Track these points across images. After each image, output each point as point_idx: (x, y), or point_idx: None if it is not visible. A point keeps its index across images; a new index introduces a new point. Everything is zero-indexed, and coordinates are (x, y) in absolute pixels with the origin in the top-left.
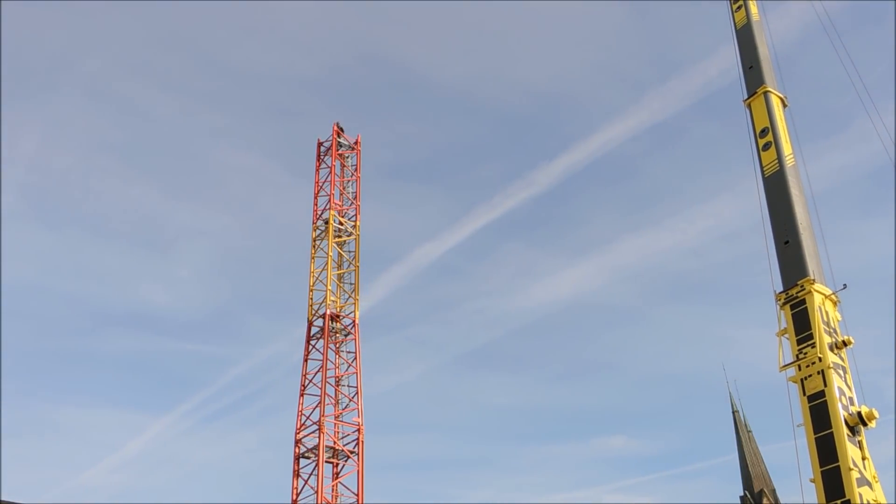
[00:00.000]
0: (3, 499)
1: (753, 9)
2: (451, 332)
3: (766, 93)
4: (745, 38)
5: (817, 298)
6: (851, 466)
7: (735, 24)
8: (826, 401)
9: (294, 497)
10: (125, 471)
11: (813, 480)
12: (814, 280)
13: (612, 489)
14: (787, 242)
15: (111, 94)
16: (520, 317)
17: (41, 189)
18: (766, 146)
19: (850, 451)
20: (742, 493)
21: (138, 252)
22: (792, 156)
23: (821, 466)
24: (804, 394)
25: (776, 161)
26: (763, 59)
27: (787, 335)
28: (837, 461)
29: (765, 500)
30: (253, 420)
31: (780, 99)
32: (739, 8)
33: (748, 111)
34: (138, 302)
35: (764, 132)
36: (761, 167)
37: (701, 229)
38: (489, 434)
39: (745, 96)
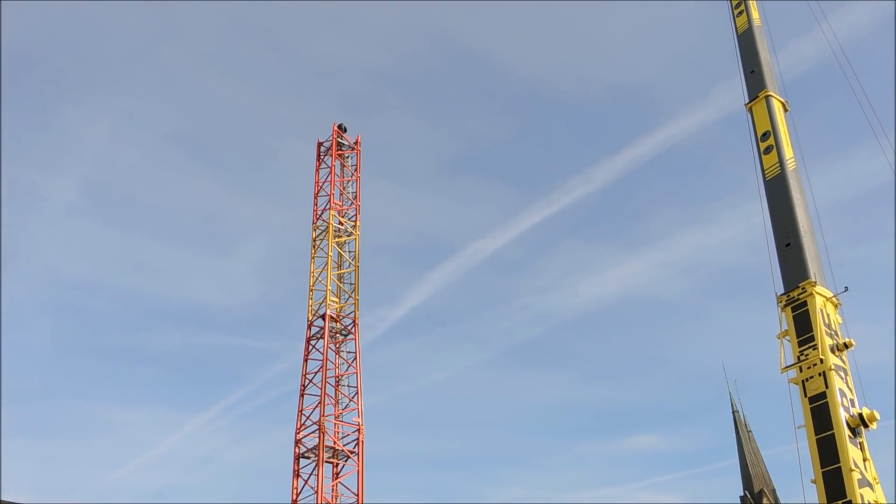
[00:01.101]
0: (3, 499)
1: (755, 13)
2: (496, 328)
3: (767, 97)
4: (747, 42)
5: (818, 301)
6: (853, 468)
7: (736, 28)
8: (827, 402)
9: (294, 497)
10: (156, 469)
11: (814, 481)
12: (815, 282)
13: (640, 487)
14: (788, 245)
15: (185, 86)
16: (566, 313)
17: (105, 184)
18: (768, 150)
19: (851, 453)
20: (742, 494)
21: (197, 247)
22: (793, 159)
23: (822, 467)
24: (805, 395)
25: (777, 164)
26: (764, 63)
27: (787, 337)
28: (839, 462)
29: (765, 500)
30: (287, 417)
31: (782, 103)
32: (741, 13)
33: (749, 115)
34: (192, 298)
35: (765, 136)
36: (763, 171)
37: (754, 225)
38: (525, 431)
39: (747, 100)
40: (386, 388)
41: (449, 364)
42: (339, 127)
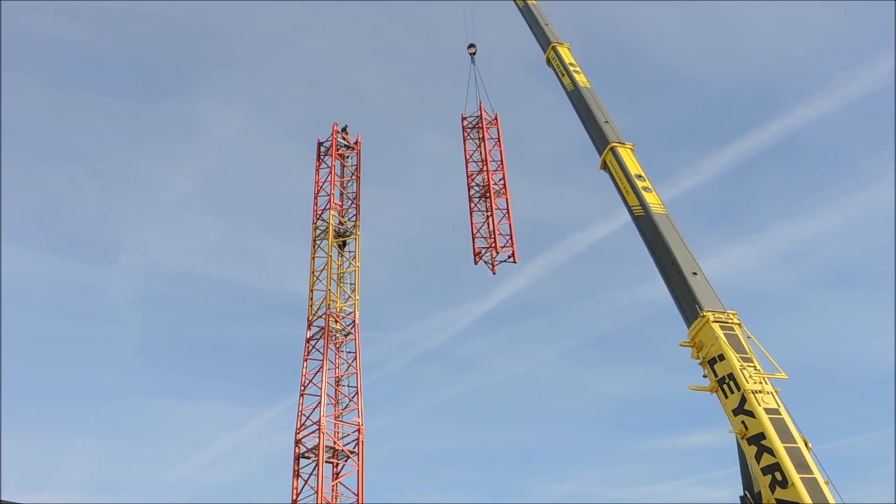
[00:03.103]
0: (3, 499)
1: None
2: (577, 320)
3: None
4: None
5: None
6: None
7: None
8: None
9: (294, 497)
10: (213, 467)
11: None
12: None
13: (691, 483)
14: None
15: (327, 75)
16: (649, 306)
17: (224, 175)
18: (647, 189)
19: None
20: (742, 494)
21: (306, 240)
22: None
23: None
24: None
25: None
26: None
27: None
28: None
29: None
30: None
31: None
32: (577, 72)
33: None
34: (290, 290)
35: (640, 177)
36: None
37: (858, 214)
38: (592, 425)
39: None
40: (461, 382)
41: (526, 357)
42: (343, 130)
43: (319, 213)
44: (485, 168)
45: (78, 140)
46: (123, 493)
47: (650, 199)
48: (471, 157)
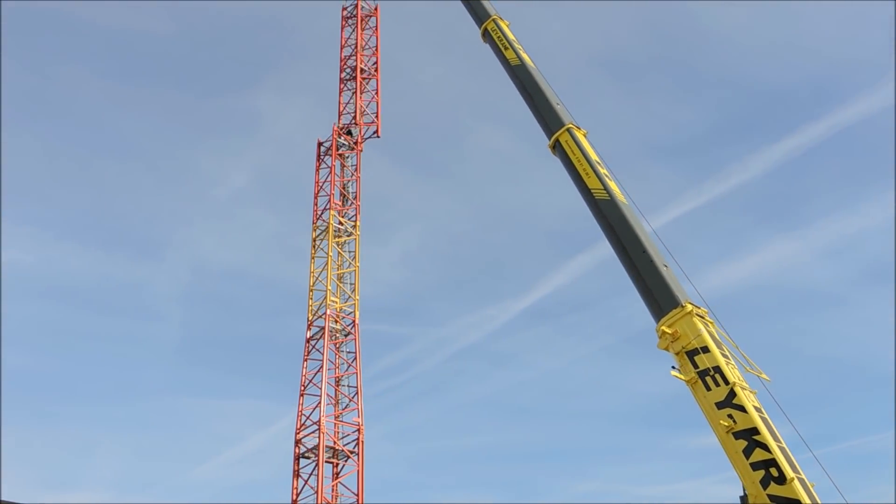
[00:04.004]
0: (3, 499)
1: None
2: (617, 316)
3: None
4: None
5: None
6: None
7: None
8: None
9: (294, 497)
10: (241, 465)
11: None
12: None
13: (716, 481)
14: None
15: (390, 68)
16: (696, 299)
17: (278, 172)
18: (607, 176)
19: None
20: (742, 494)
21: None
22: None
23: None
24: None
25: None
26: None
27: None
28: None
29: None
30: (384, 413)
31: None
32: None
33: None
34: None
35: (599, 163)
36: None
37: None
38: (624, 422)
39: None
40: (496, 379)
41: (563, 353)
42: (348, 133)
43: (319, 213)
44: (358, 52)
45: (138, 135)
46: (149, 492)
47: (613, 186)
48: (346, 42)
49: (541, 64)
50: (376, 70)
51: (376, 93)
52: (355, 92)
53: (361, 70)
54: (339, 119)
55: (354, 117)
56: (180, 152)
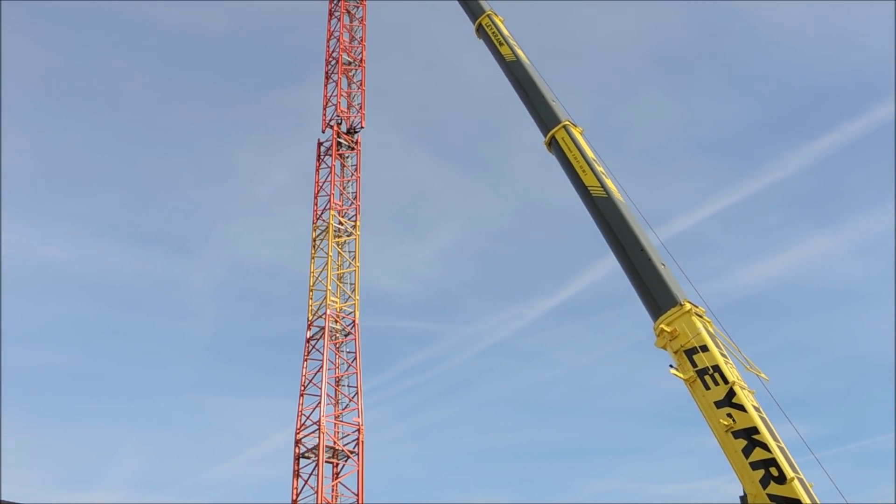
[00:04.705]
0: (3, 499)
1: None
2: (647, 313)
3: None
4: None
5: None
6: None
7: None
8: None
9: (294, 497)
10: (261, 464)
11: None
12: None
13: (732, 479)
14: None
15: (439, 62)
16: (717, 299)
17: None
18: (604, 174)
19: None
20: (742, 494)
21: (395, 231)
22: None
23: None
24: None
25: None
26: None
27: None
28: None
29: None
30: (408, 411)
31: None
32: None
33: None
34: (370, 282)
35: (595, 161)
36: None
37: None
38: (643, 420)
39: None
40: (522, 376)
41: (591, 350)
42: (348, 132)
43: (319, 213)
44: (342, 43)
45: (182, 131)
46: (167, 491)
47: (609, 184)
48: (332, 35)
49: (589, 57)
50: (362, 62)
51: (361, 84)
52: (337, 83)
53: (348, 62)
54: (323, 111)
55: (337, 109)
56: (224, 148)
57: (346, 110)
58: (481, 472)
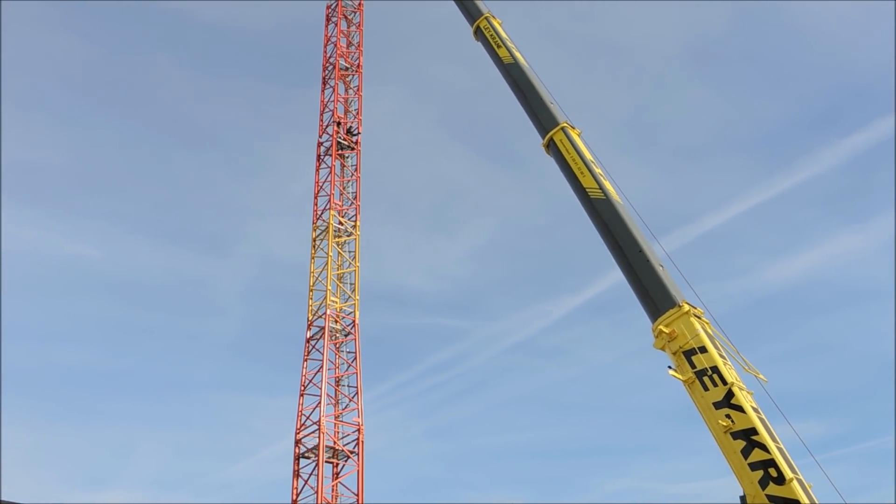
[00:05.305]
0: (3, 499)
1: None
2: None
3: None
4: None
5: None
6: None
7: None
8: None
9: (294, 497)
10: (278, 463)
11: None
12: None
13: None
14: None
15: (482, 59)
16: (741, 297)
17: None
18: (602, 176)
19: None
20: (742, 494)
21: (427, 227)
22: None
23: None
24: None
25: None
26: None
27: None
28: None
29: None
30: (428, 410)
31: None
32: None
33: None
34: (398, 280)
35: (594, 163)
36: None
37: None
38: (663, 418)
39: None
40: (543, 374)
41: (615, 347)
42: (348, 131)
43: (319, 213)
44: (339, 49)
45: (220, 128)
46: (181, 491)
47: (608, 186)
48: (329, 40)
49: (629, 54)
50: (359, 67)
51: (359, 90)
52: (335, 89)
53: (345, 67)
54: (320, 117)
55: (334, 114)
56: (259, 145)
57: (343, 116)
58: (498, 471)
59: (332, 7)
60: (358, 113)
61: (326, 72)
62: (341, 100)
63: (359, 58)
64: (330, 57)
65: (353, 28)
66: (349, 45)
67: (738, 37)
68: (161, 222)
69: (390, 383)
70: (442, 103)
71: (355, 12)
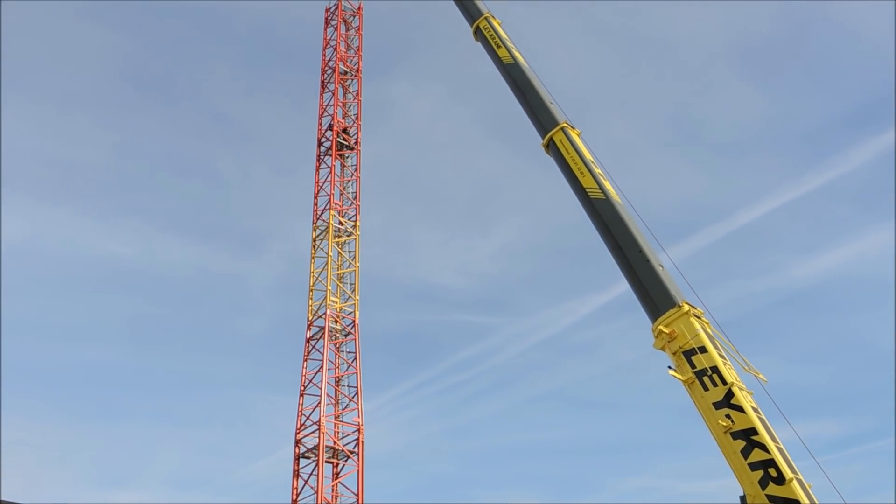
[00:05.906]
0: (3, 499)
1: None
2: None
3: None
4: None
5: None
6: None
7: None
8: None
9: (294, 497)
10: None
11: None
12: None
13: None
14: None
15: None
16: (766, 296)
17: (399, 163)
18: (602, 176)
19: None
20: (742, 494)
21: (462, 225)
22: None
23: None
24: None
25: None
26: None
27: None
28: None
29: None
30: (449, 409)
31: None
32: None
33: (561, 146)
34: (428, 277)
35: (593, 163)
36: (600, 190)
37: None
38: (684, 417)
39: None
40: (568, 372)
41: (639, 345)
42: (344, 131)
43: (319, 213)
44: (339, 53)
45: (260, 124)
46: (199, 490)
47: (607, 186)
48: (329, 43)
49: (674, 52)
50: (358, 72)
51: (357, 95)
52: (334, 93)
53: (344, 71)
54: (319, 121)
55: (333, 119)
56: (300, 141)
57: (341, 120)
58: (515, 470)
59: (332, 10)
60: (357, 118)
61: (325, 75)
62: (340, 104)
63: (358, 62)
64: (329, 60)
65: (352, 32)
66: (348, 48)
67: (782, 35)
68: (196, 220)
69: (413, 381)
70: (480, 101)
71: (354, 16)
